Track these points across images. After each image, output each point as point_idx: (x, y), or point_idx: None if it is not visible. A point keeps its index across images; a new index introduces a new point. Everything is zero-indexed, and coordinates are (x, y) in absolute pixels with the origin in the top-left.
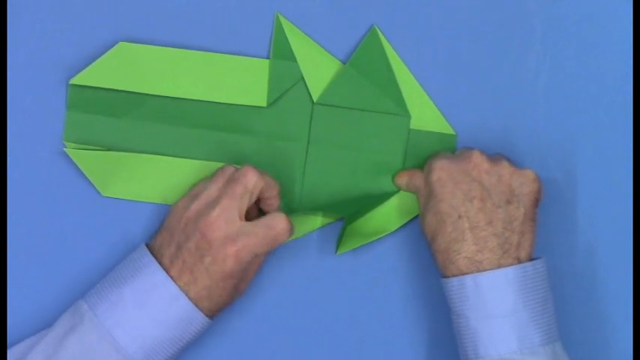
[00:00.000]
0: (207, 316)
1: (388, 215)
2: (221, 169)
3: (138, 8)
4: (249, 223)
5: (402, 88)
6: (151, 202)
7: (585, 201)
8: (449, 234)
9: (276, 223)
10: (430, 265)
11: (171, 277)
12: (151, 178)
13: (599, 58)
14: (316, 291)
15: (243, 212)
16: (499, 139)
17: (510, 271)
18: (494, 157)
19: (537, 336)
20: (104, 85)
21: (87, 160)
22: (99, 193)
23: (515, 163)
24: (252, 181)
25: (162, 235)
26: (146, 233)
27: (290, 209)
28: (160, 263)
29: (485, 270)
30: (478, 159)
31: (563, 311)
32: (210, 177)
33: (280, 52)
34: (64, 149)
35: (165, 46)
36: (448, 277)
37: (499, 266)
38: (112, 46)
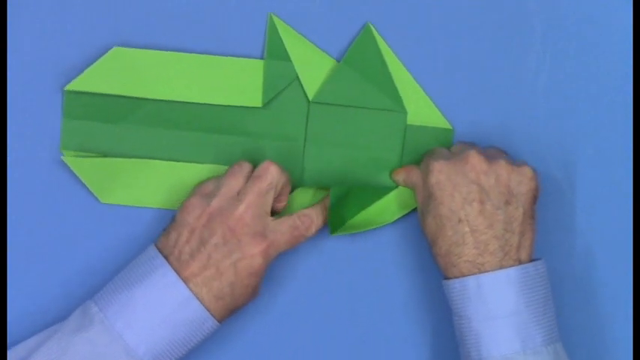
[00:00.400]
0: (217, 318)
1: (386, 207)
2: (238, 164)
3: (131, 13)
4: (276, 220)
5: (398, 84)
6: (150, 207)
7: (585, 201)
8: (449, 237)
9: (303, 221)
10: (431, 262)
11: (187, 277)
12: (150, 183)
13: (599, 58)
14: (316, 288)
15: (269, 208)
16: (499, 139)
17: (512, 271)
18: (492, 153)
19: (540, 336)
20: (99, 91)
21: (85, 167)
22: (98, 200)
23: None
24: (275, 176)
25: (178, 232)
26: (146, 237)
27: (289, 207)
28: (175, 261)
29: (486, 272)
30: (475, 159)
31: (562, 312)
32: (225, 174)
33: (274, 52)
34: (62, 158)
35: (160, 49)
36: (450, 279)
37: (500, 268)
38: (106, 51)
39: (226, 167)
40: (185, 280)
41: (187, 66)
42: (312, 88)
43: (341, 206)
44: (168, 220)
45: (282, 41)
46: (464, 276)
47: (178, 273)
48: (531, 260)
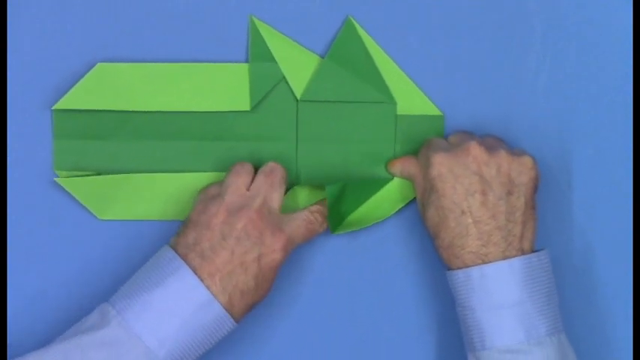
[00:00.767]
0: (236, 318)
1: (384, 200)
2: (239, 163)
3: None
4: (289, 215)
5: (384, 75)
6: (148, 220)
7: (585, 201)
8: (452, 229)
9: (316, 216)
10: (433, 255)
11: (211, 272)
12: (146, 196)
13: (599, 58)
14: (318, 285)
15: (281, 204)
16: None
17: (516, 262)
18: (491, 143)
19: (544, 326)
20: (87, 107)
21: (80, 186)
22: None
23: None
24: (284, 172)
25: (196, 231)
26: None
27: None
28: (197, 257)
29: (490, 262)
30: (476, 151)
31: (563, 310)
32: (228, 175)
33: (258, 54)
34: (55, 179)
35: (143, 62)
36: (453, 270)
37: (504, 258)
38: (90, 68)
39: (220, 174)
40: (210, 276)
41: (173, 76)
42: (299, 86)
43: (339, 203)
44: (169, 231)
45: (265, 42)
46: (467, 267)
47: (201, 270)
48: (534, 250)
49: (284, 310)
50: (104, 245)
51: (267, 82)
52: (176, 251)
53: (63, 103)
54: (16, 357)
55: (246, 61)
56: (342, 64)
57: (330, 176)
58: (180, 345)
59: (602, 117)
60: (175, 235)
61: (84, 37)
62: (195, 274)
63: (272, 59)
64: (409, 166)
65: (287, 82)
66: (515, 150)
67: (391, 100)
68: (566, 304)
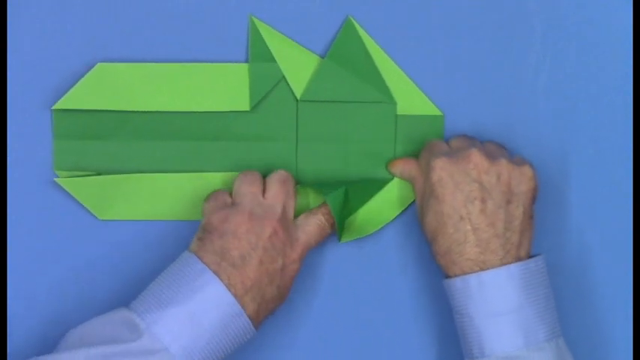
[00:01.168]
0: (256, 327)
1: (386, 201)
2: (249, 172)
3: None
4: (302, 221)
5: (384, 75)
6: (149, 220)
7: (585, 201)
8: (450, 235)
9: (327, 218)
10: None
11: (243, 281)
12: (146, 196)
13: (599, 58)
14: (321, 291)
15: (294, 211)
16: (499, 139)
17: (513, 268)
18: (492, 150)
19: (542, 332)
20: (87, 108)
21: (79, 187)
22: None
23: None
24: (293, 179)
25: (223, 240)
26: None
27: None
28: (229, 267)
29: (488, 269)
30: (477, 158)
31: (562, 311)
32: (238, 183)
33: (258, 54)
34: (55, 179)
35: (143, 62)
36: (451, 277)
37: (501, 265)
38: (90, 68)
39: (220, 174)
40: (242, 286)
41: (173, 76)
42: (299, 86)
43: (342, 207)
44: (169, 231)
45: (264, 42)
46: (465, 274)
47: (234, 279)
48: (531, 257)
49: (289, 315)
50: (104, 245)
51: (267, 81)
52: (202, 258)
53: (63, 103)
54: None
55: (246, 61)
56: (342, 64)
57: (330, 176)
58: (207, 355)
59: (602, 117)
60: (196, 239)
61: (84, 37)
62: (229, 283)
63: (272, 59)
64: (410, 168)
65: (287, 82)
66: (515, 158)
67: (391, 100)
68: (565, 305)
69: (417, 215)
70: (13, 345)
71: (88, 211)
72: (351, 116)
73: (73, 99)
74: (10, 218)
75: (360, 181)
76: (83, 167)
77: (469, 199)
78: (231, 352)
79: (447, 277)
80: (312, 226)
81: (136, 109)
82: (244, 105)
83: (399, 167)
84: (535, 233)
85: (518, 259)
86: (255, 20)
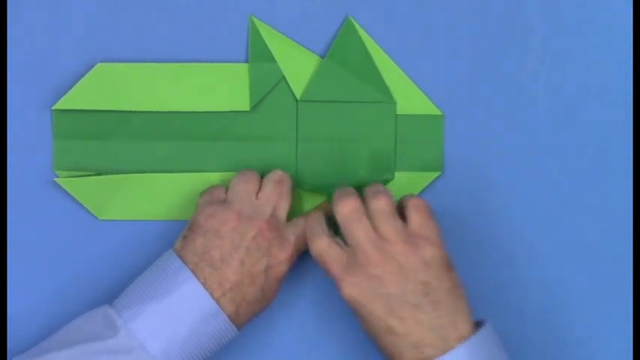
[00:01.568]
0: (238, 327)
1: None
2: (247, 170)
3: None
4: (292, 223)
5: (384, 75)
6: (148, 220)
7: (585, 201)
8: (387, 349)
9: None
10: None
11: (221, 283)
12: (146, 196)
13: (599, 58)
14: (307, 287)
15: (288, 212)
16: (499, 140)
17: (460, 350)
18: (387, 233)
19: None
20: (87, 108)
21: (79, 187)
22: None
23: (515, 166)
24: (290, 180)
25: (205, 238)
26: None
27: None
28: (208, 267)
29: None
30: (370, 256)
31: (562, 311)
32: (235, 180)
33: (258, 54)
34: (55, 179)
35: (143, 62)
36: None
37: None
38: (90, 68)
39: (220, 174)
40: (219, 287)
41: (173, 75)
42: (299, 86)
43: None
44: (168, 231)
45: (264, 42)
46: None
47: (211, 280)
48: (475, 327)
49: (283, 316)
50: (104, 245)
51: (267, 82)
52: (183, 258)
53: (63, 104)
54: (14, 356)
55: (246, 61)
56: (341, 64)
57: (330, 177)
58: (185, 354)
59: (602, 117)
60: (181, 238)
61: (84, 37)
62: (205, 284)
63: (272, 59)
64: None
65: (287, 82)
66: (411, 234)
67: (391, 100)
68: (565, 305)
69: None
70: (13, 345)
71: (88, 211)
72: (351, 116)
73: (73, 99)
74: (10, 218)
75: (360, 181)
76: (83, 167)
77: (387, 312)
78: (214, 351)
79: None
80: (302, 228)
81: (136, 109)
82: (244, 105)
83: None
84: (535, 234)
85: (460, 337)
86: (255, 20)
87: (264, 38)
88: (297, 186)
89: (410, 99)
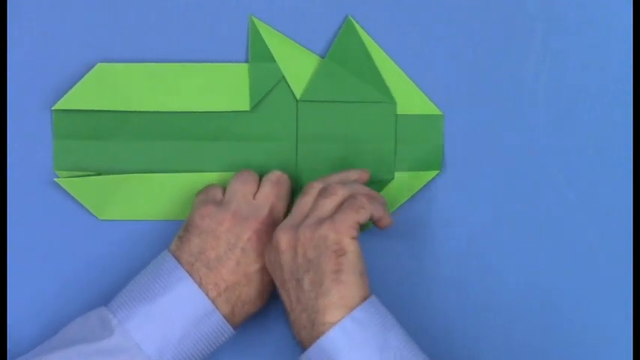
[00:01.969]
0: (234, 327)
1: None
2: (245, 170)
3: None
4: None
5: (384, 75)
6: (148, 220)
7: (585, 201)
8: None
9: None
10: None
11: (217, 283)
12: (146, 196)
13: (599, 58)
14: None
15: (285, 213)
16: (499, 140)
17: (347, 321)
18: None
19: None
20: (87, 108)
21: (79, 187)
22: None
23: (515, 166)
24: (289, 182)
25: (201, 238)
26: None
27: None
28: (203, 267)
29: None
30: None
31: (563, 310)
32: (233, 181)
33: (258, 54)
34: (55, 179)
35: (143, 62)
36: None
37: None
38: (90, 68)
39: (219, 174)
40: (215, 287)
41: (173, 75)
42: (298, 86)
43: None
44: (169, 231)
45: (264, 42)
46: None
47: (207, 280)
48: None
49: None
50: (104, 245)
51: (267, 82)
52: (179, 259)
53: (63, 104)
54: (15, 358)
55: (246, 61)
56: (341, 64)
57: None
58: (180, 355)
59: (602, 117)
60: (176, 238)
61: (84, 37)
62: (201, 284)
63: (272, 59)
64: None
65: (287, 82)
66: (319, 212)
67: (391, 100)
68: (565, 305)
69: (414, 215)
70: (13, 345)
71: (88, 211)
72: (351, 116)
73: (73, 99)
74: (10, 218)
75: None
76: (83, 167)
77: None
78: (210, 351)
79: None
80: None
81: (136, 109)
82: (244, 105)
83: None
84: (535, 234)
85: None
86: (255, 20)
87: (264, 38)
88: (297, 186)
89: (410, 99)
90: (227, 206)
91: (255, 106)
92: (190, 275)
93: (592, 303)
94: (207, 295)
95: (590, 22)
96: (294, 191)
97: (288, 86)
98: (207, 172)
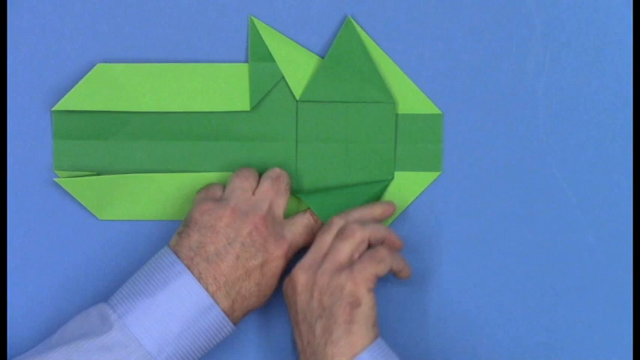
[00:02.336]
0: (234, 322)
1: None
2: (245, 168)
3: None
4: (290, 220)
5: (384, 75)
6: (148, 220)
7: (585, 201)
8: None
9: (316, 219)
10: (433, 264)
11: (216, 277)
12: (146, 196)
13: (599, 58)
14: None
15: (285, 211)
16: (499, 140)
17: None
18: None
19: None
20: (87, 108)
21: (79, 187)
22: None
23: (515, 166)
24: (288, 178)
25: (200, 233)
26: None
27: None
28: (203, 262)
29: None
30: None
31: (563, 309)
32: (233, 178)
33: (258, 55)
34: (55, 179)
35: (143, 62)
36: None
37: None
38: (90, 68)
39: (219, 174)
40: (215, 281)
41: (173, 76)
42: (298, 87)
43: (329, 209)
44: (169, 231)
45: (264, 43)
46: None
47: (206, 274)
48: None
49: (279, 313)
50: (104, 245)
51: (267, 82)
52: (178, 253)
53: (63, 104)
54: (15, 357)
55: (246, 61)
56: (341, 65)
57: (330, 176)
58: (180, 349)
59: (602, 117)
60: (176, 234)
61: (84, 37)
62: (200, 278)
63: (271, 59)
64: None
65: (286, 83)
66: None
67: (391, 100)
68: (566, 304)
69: (414, 215)
70: (13, 345)
71: (88, 211)
72: (351, 116)
73: (73, 100)
74: (10, 218)
75: (360, 181)
76: (83, 167)
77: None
78: (210, 346)
79: None
80: (299, 225)
81: (135, 109)
82: (244, 105)
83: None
84: (536, 234)
85: None
86: (255, 20)
87: (264, 38)
88: (297, 186)
89: (410, 99)
90: (226, 202)
91: (255, 106)
92: (189, 269)
93: (592, 303)
94: (206, 289)
95: (590, 22)
96: (294, 190)
97: (288, 86)
98: (207, 172)
